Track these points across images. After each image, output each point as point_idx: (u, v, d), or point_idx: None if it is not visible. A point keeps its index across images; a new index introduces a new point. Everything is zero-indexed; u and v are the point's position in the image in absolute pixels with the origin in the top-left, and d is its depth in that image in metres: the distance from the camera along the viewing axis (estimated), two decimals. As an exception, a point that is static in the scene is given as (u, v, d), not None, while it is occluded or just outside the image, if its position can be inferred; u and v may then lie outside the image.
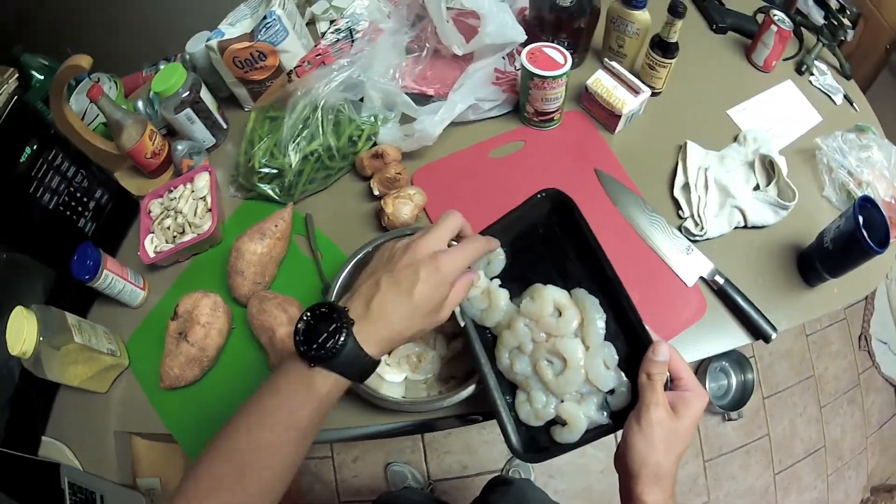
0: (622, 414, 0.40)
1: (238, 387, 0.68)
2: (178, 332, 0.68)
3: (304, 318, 0.39)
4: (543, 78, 0.69)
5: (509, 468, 1.27)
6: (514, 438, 0.42)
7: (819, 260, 0.65)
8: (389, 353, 0.62)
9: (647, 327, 0.41)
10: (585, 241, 0.43)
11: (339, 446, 1.31)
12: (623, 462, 0.38)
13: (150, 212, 0.78)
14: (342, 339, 0.37)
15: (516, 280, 0.48)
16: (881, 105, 0.90)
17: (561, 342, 0.40)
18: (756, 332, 0.64)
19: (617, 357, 0.41)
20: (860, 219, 0.57)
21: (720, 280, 0.66)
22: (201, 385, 0.68)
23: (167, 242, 0.76)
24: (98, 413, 0.69)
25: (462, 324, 0.49)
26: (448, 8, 0.75)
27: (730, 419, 1.44)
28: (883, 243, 0.57)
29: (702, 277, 0.67)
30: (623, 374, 0.41)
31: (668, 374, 0.39)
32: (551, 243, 0.46)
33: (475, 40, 0.73)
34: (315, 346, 0.37)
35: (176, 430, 0.67)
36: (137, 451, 0.76)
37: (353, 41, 0.77)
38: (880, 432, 1.56)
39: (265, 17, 0.75)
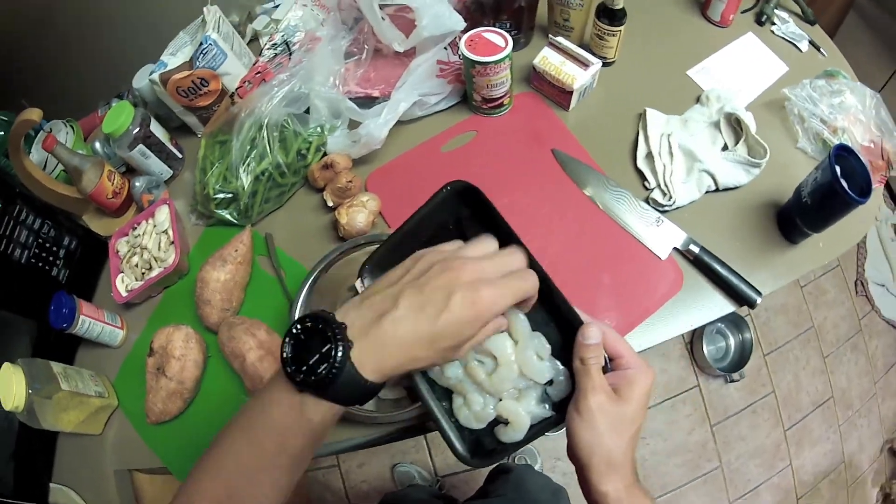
0: (565, 404, 0.35)
1: (223, 413, 0.63)
2: (156, 368, 0.64)
3: (294, 331, 0.30)
4: (485, 64, 0.61)
5: (515, 456, 1.21)
6: (458, 445, 0.36)
7: (799, 216, 0.57)
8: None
9: (576, 310, 0.35)
10: (499, 231, 0.36)
11: (343, 454, 1.26)
12: (572, 453, 0.34)
13: (117, 251, 0.74)
14: (337, 363, 0.28)
15: None
16: (851, 49, 0.82)
17: (487, 340, 0.34)
18: (739, 299, 0.57)
19: (549, 346, 0.36)
20: (837, 169, 0.50)
21: (695, 249, 0.59)
22: (187, 416, 0.64)
23: (137, 280, 0.71)
24: (96, 454, 0.66)
25: None
26: (383, 6, 0.67)
27: (732, 381, 1.35)
28: (865, 192, 0.49)
29: (676, 248, 0.60)
30: (559, 363, 0.36)
31: (604, 355, 0.34)
32: (464, 238, 0.39)
33: (413, 35, 0.65)
34: (304, 368, 0.29)
35: (170, 462, 0.64)
36: (140, 485, 0.73)
37: (290, 54, 0.70)
38: (887, 376, 1.45)
39: (201, 44, 0.69)
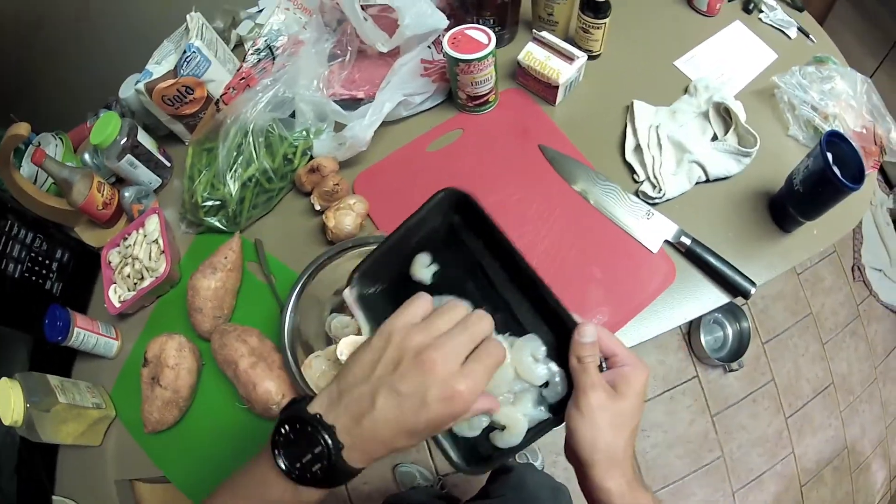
0: (561, 405, 0.34)
1: (218, 421, 0.63)
2: (150, 378, 0.62)
3: (283, 431, 0.31)
4: (468, 61, 0.60)
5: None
6: (453, 454, 0.35)
7: (791, 204, 0.56)
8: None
9: (569, 311, 0.34)
10: (490, 235, 0.35)
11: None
12: (573, 452, 0.33)
13: (109, 262, 0.72)
14: (332, 464, 0.30)
15: (430, 289, 0.39)
16: (840, 34, 0.80)
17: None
18: (734, 290, 0.56)
19: (544, 347, 0.34)
20: (829, 156, 0.48)
21: (686, 241, 0.57)
22: (184, 424, 0.63)
23: (129, 290, 0.70)
24: (97, 465, 0.65)
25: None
26: (365, 6, 0.66)
27: (731, 370, 1.32)
28: (857, 178, 0.47)
29: (667, 241, 0.58)
30: (554, 364, 0.35)
31: (600, 354, 0.33)
32: (456, 244, 0.37)
33: (396, 35, 0.64)
34: (299, 466, 0.30)
35: (169, 471, 0.63)
36: (141, 494, 0.71)
37: (274, 58, 0.68)
38: (888, 361, 1.43)
39: (185, 51, 0.67)
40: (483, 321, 0.31)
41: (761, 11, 0.75)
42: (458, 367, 0.30)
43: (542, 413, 0.34)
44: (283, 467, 0.30)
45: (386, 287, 0.39)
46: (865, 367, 1.40)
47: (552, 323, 0.35)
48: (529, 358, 0.33)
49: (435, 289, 0.37)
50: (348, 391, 0.31)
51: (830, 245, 0.66)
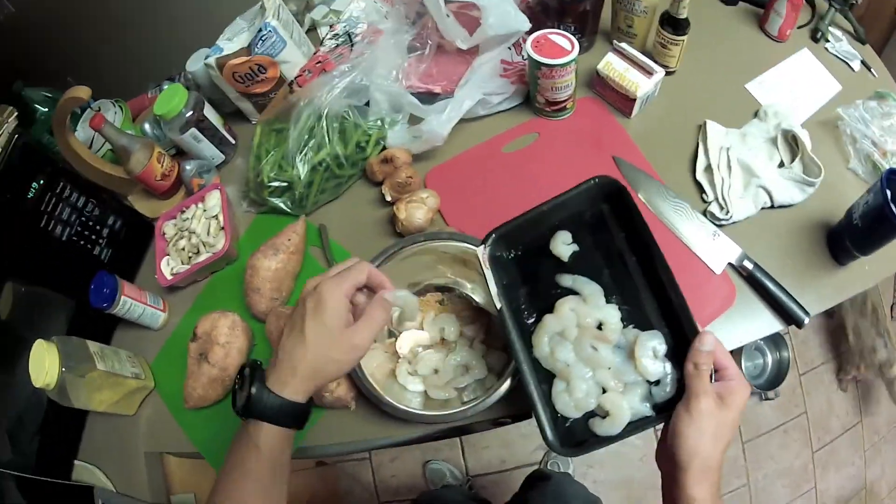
0: (665, 406, 0.39)
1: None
2: (198, 354, 0.68)
3: (237, 376, 0.44)
4: (551, 66, 0.67)
5: (548, 460, 1.27)
6: (549, 432, 0.41)
7: (849, 238, 0.62)
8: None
9: (693, 319, 0.40)
10: (635, 230, 0.42)
11: (376, 448, 1.30)
12: (671, 454, 0.38)
13: (164, 234, 0.79)
14: (252, 389, 0.41)
15: (564, 267, 0.46)
16: (895, 68, 0.87)
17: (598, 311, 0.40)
18: (788, 318, 0.62)
19: (665, 347, 0.40)
20: (888, 193, 0.54)
21: (749, 265, 0.63)
22: (226, 403, 0.69)
23: (183, 264, 0.76)
24: (128, 435, 0.71)
25: (498, 306, 0.47)
26: (448, 1, 0.73)
27: (767, 398, 1.42)
28: (914, 217, 0.55)
29: (730, 263, 0.64)
30: (670, 365, 0.40)
31: (713, 365, 0.39)
32: (599, 231, 0.45)
33: (478, 33, 0.71)
34: (235, 401, 0.42)
35: (204, 448, 0.68)
36: (169, 468, 0.77)
37: (352, 45, 0.76)
38: (916, 403, 1.53)
39: (260, 30, 0.74)
40: (357, 265, 0.44)
41: (828, 41, 0.81)
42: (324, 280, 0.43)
43: (646, 409, 0.40)
44: (234, 406, 0.42)
45: (519, 255, 0.46)
46: (894, 409, 1.51)
47: (673, 326, 0.40)
48: (650, 353, 0.39)
49: (570, 268, 0.44)
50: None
51: (879, 281, 0.73)
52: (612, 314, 0.41)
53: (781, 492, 1.39)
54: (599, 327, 0.41)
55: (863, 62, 0.81)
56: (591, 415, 0.41)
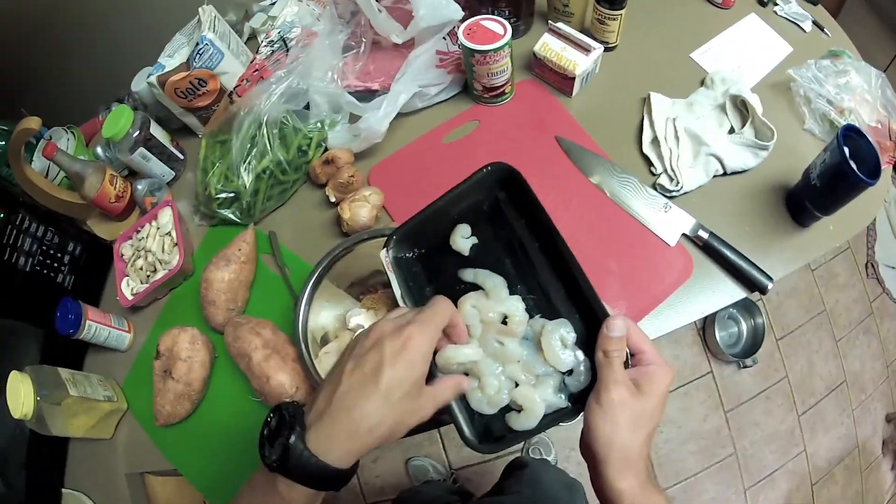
0: (582, 396, 0.34)
1: (231, 414, 0.64)
2: (163, 370, 0.64)
3: (268, 419, 0.33)
4: (484, 52, 0.61)
5: (529, 447, 1.21)
6: (466, 430, 0.36)
7: (808, 199, 0.57)
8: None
9: (602, 302, 0.35)
10: (533, 215, 0.36)
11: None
12: (588, 447, 0.33)
13: (122, 255, 0.74)
14: (290, 445, 0.30)
15: (467, 261, 0.40)
16: (854, 29, 0.80)
17: (502, 304, 0.34)
18: (750, 284, 0.57)
19: (574, 334, 0.35)
20: (846, 150, 0.49)
21: (704, 234, 0.58)
22: (196, 417, 0.65)
23: (142, 283, 0.71)
24: (107, 458, 0.67)
25: (401, 304, 0.42)
26: (378, -2, 0.67)
27: (745, 367, 1.34)
28: (874, 173, 0.49)
29: (684, 234, 0.59)
30: (582, 353, 0.35)
31: (626, 350, 0.34)
32: (498, 220, 0.39)
33: (411, 26, 0.65)
34: (265, 451, 0.31)
35: (180, 464, 0.64)
36: (152, 487, 0.73)
37: (287, 50, 0.70)
38: (901, 358, 1.44)
39: (198, 44, 0.69)
40: (440, 302, 0.34)
41: (776, 4, 0.76)
42: (405, 323, 0.33)
43: (561, 401, 0.35)
44: (263, 457, 0.31)
45: (423, 253, 0.40)
46: (878, 366, 1.42)
47: (584, 312, 0.36)
48: (558, 342, 0.34)
49: (472, 262, 0.38)
50: (326, 378, 0.33)
51: (845, 241, 0.67)
52: (515, 306, 0.35)
53: (770, 458, 1.31)
54: (505, 321, 0.35)
55: (814, 22, 0.75)
56: (507, 409, 0.36)
